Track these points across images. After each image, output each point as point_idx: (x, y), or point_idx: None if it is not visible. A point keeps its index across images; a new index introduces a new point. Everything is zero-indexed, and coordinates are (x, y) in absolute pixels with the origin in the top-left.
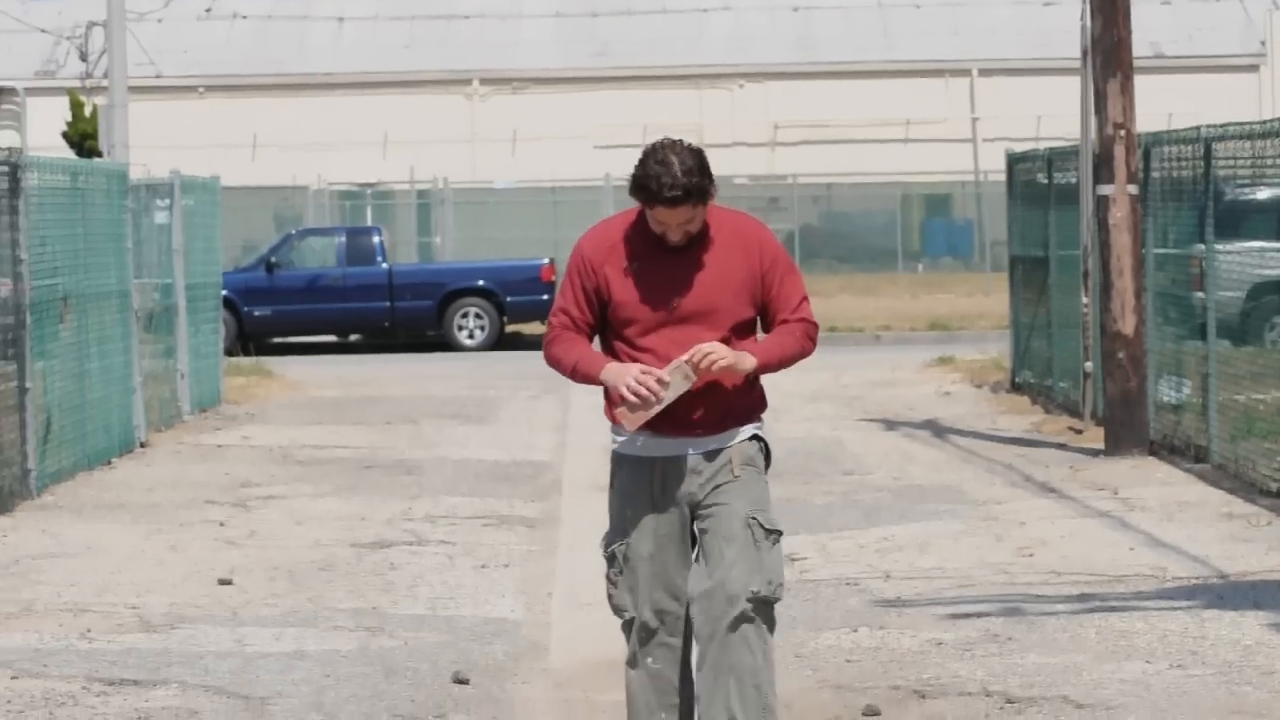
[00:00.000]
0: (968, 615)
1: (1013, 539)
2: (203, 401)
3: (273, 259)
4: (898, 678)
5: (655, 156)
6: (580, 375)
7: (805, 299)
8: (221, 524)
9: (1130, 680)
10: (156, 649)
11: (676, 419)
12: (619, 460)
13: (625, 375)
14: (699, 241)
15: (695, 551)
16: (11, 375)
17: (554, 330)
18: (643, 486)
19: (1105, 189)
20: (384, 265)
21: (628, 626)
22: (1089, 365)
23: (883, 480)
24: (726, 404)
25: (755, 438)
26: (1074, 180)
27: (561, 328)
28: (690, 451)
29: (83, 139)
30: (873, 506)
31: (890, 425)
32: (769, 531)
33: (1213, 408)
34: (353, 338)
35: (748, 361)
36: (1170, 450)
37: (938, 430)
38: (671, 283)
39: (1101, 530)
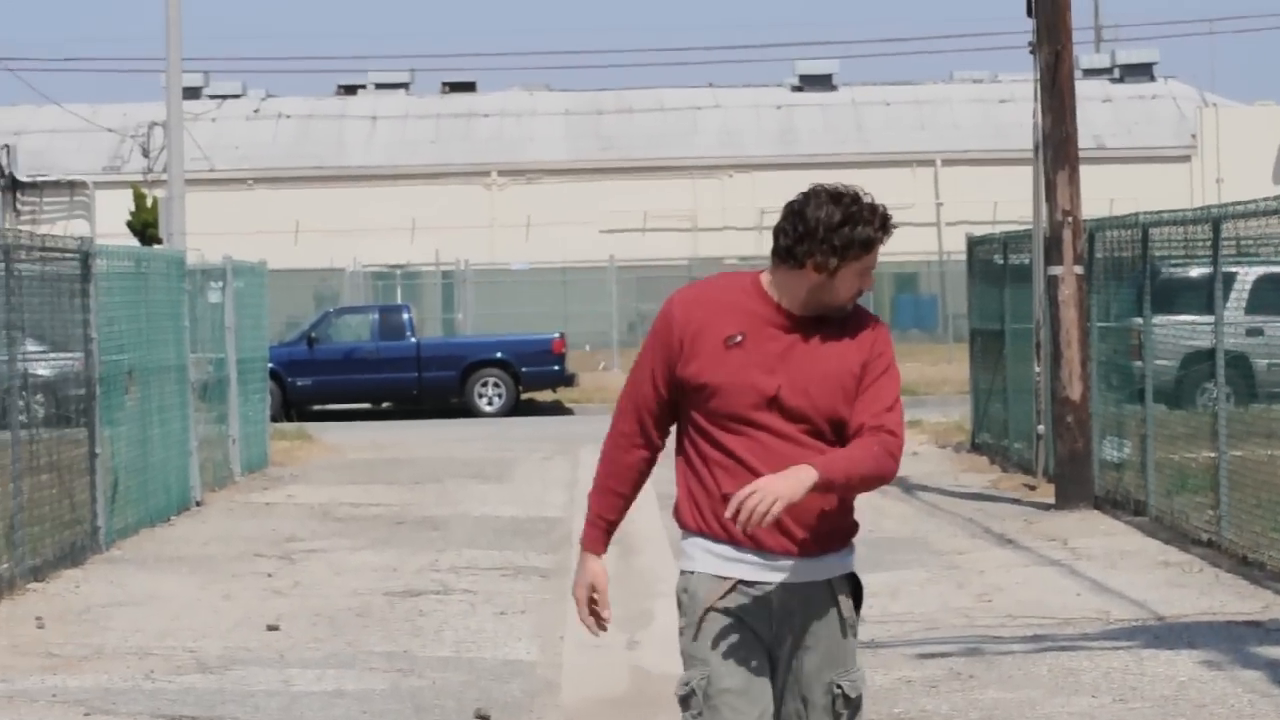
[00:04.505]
0: (934, 655)
1: (973, 586)
2: (252, 464)
3: (313, 334)
4: (872, 713)
5: (834, 193)
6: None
7: (896, 405)
8: (269, 575)
9: (1078, 713)
10: (212, 688)
11: (772, 526)
12: (689, 580)
13: (579, 587)
14: (813, 320)
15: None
16: (83, 441)
17: (615, 415)
18: (725, 609)
19: (1055, 269)
20: (412, 339)
21: None
22: (1041, 428)
23: (859, 533)
24: (827, 516)
25: (853, 579)
26: (1027, 261)
27: (621, 416)
28: (773, 578)
29: (145, 227)
30: None
31: None
32: (850, 701)
33: (1150, 465)
34: (384, 405)
35: (804, 478)
36: (1113, 504)
37: (907, 487)
38: (778, 361)
39: (1052, 577)
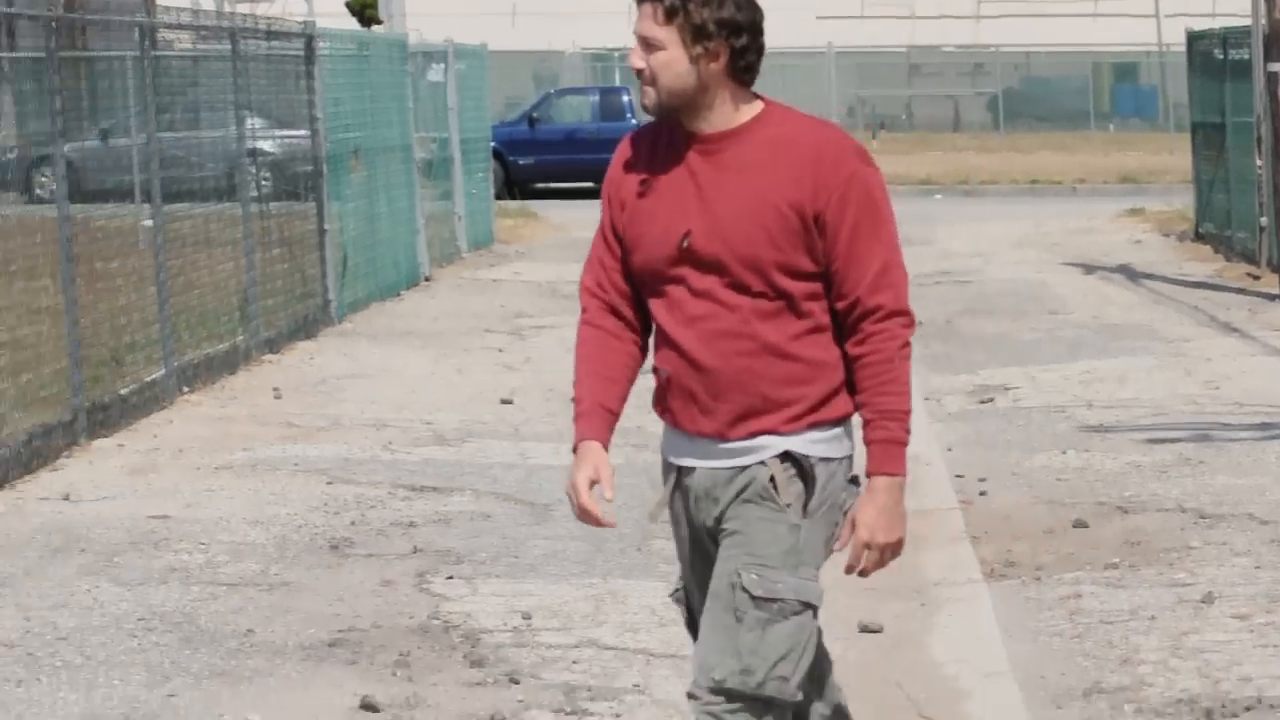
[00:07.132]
0: (1162, 441)
1: (1200, 373)
2: (477, 241)
3: (534, 115)
4: (1102, 495)
5: None
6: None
7: (888, 267)
8: (500, 350)
9: None
10: (450, 460)
11: (689, 403)
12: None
13: (572, 482)
14: (730, 145)
15: None
16: (312, 217)
17: (582, 303)
18: (671, 501)
19: (1275, 66)
20: (633, 121)
21: None
22: (1264, 220)
23: (1083, 319)
24: (757, 390)
25: (790, 458)
26: (1247, 57)
27: (589, 299)
28: (698, 463)
29: (363, 8)
30: (1075, 342)
31: (1088, 269)
32: (759, 600)
33: None
34: None
35: (894, 496)
36: None
37: (1131, 274)
38: (682, 204)
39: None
